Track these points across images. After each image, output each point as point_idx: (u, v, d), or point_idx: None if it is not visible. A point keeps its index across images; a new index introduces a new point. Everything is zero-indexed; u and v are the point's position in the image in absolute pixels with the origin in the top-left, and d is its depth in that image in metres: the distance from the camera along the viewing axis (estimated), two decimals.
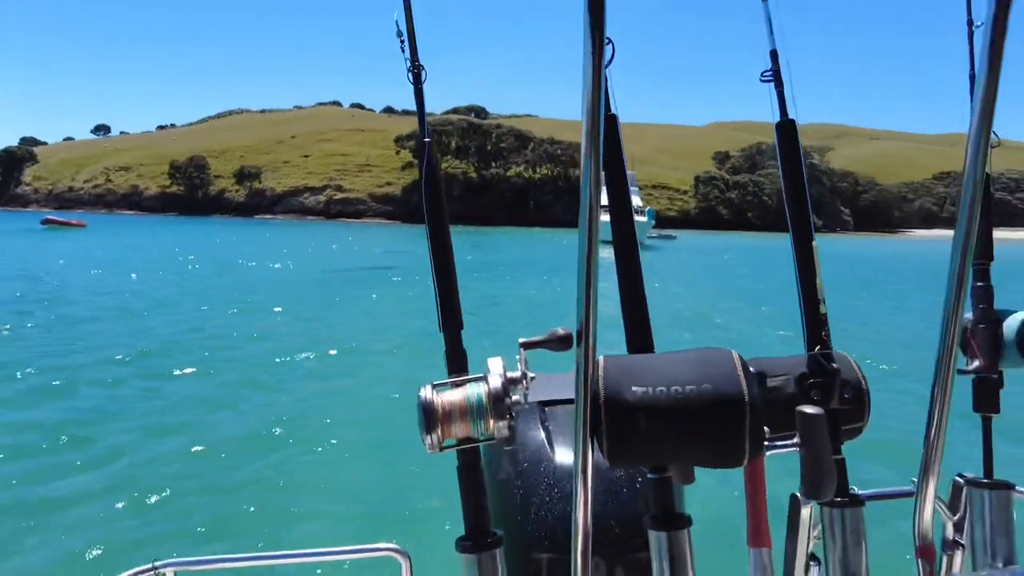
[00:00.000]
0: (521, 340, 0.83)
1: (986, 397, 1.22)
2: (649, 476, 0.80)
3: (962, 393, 0.87)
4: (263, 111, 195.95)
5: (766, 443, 0.70)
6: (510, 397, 0.81)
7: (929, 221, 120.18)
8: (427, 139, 0.96)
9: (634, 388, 0.69)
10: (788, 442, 0.79)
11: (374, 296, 16.49)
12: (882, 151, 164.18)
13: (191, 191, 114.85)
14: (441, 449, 0.82)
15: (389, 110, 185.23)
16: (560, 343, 0.79)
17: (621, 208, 0.89)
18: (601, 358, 0.72)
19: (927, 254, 43.20)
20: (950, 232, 0.76)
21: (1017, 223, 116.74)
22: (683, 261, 35.54)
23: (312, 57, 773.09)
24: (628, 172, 0.93)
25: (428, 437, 0.80)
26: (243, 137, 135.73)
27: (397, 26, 0.96)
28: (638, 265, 0.88)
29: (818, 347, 0.97)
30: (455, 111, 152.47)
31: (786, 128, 1.06)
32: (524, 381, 0.82)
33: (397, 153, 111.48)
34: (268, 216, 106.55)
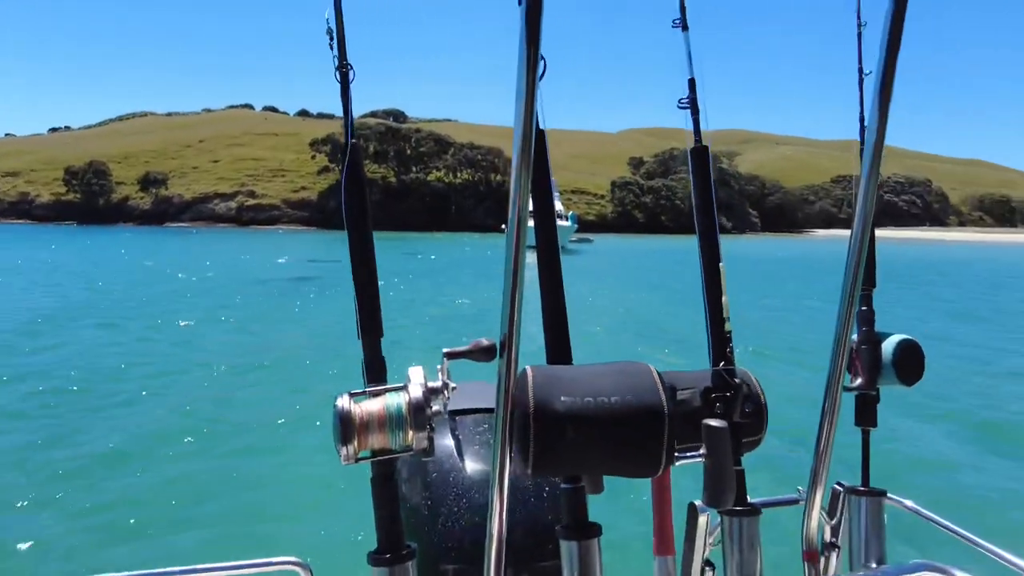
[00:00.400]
0: (445, 350, 0.81)
1: (866, 412, 1.31)
2: (563, 486, 0.79)
3: (843, 407, 0.92)
4: (169, 114, 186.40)
5: (676, 454, 0.71)
6: (431, 408, 0.80)
7: (828, 222, 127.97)
8: (353, 140, 0.93)
9: (563, 398, 0.69)
10: (694, 453, 0.81)
11: (296, 308, 16.07)
12: (785, 155, 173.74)
13: (90, 199, 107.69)
14: (356, 460, 0.79)
15: (304, 113, 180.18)
16: (484, 354, 0.78)
17: (546, 219, 0.88)
18: (528, 368, 0.72)
19: (828, 253, 45.92)
20: (846, 232, 0.79)
21: (902, 223, 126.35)
22: (607, 263, 36.45)
23: (223, 58, 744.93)
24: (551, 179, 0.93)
25: (344, 448, 0.77)
26: (147, 141, 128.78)
27: (328, 24, 0.93)
28: (560, 277, 0.88)
29: (722, 363, 0.99)
30: (373, 115, 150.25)
31: (700, 154, 1.09)
32: (445, 391, 0.80)
33: (313, 157, 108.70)
34: (176, 224, 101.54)
